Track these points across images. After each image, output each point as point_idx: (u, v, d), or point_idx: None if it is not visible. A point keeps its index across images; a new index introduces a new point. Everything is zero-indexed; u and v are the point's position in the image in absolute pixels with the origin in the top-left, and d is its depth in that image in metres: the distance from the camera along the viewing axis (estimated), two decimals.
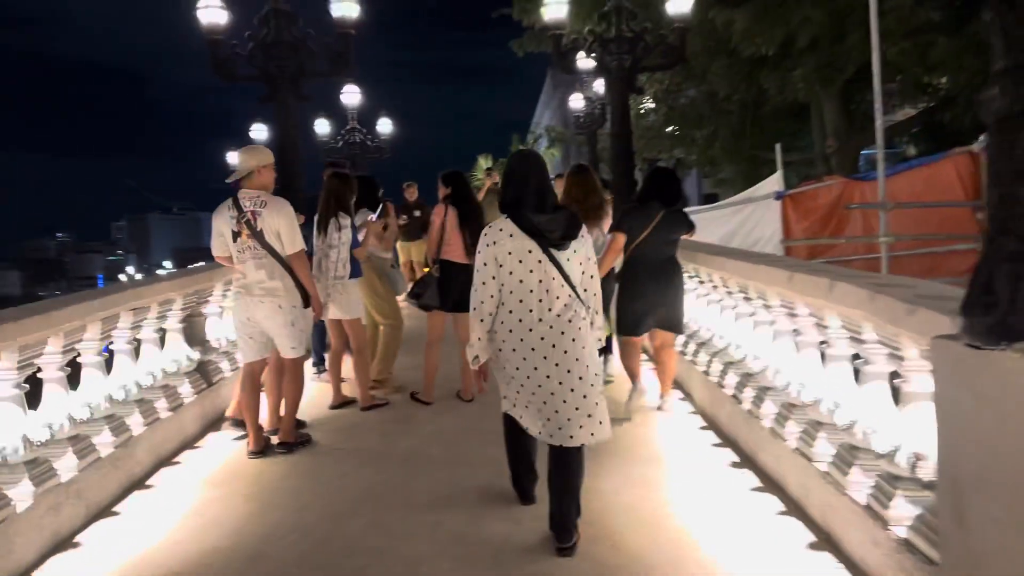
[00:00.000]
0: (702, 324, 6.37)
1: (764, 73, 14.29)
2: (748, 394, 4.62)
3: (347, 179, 5.71)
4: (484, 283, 3.25)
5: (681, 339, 6.13)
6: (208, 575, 3.27)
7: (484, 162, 25.89)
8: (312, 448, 4.89)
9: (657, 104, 18.84)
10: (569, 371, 3.20)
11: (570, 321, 3.22)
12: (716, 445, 4.75)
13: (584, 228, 3.33)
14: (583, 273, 3.31)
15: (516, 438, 3.61)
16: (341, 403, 5.81)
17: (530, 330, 3.22)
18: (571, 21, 10.08)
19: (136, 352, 5.10)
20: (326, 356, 6.32)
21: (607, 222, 5.99)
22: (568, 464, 3.28)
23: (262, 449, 4.71)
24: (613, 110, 9.64)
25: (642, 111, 18.93)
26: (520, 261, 3.20)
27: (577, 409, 3.21)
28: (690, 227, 5.38)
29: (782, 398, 4.25)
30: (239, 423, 5.05)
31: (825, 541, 3.32)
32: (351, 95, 17.03)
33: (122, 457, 4.21)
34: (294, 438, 4.85)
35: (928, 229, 8.92)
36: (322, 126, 18.02)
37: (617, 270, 5.49)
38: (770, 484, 4.01)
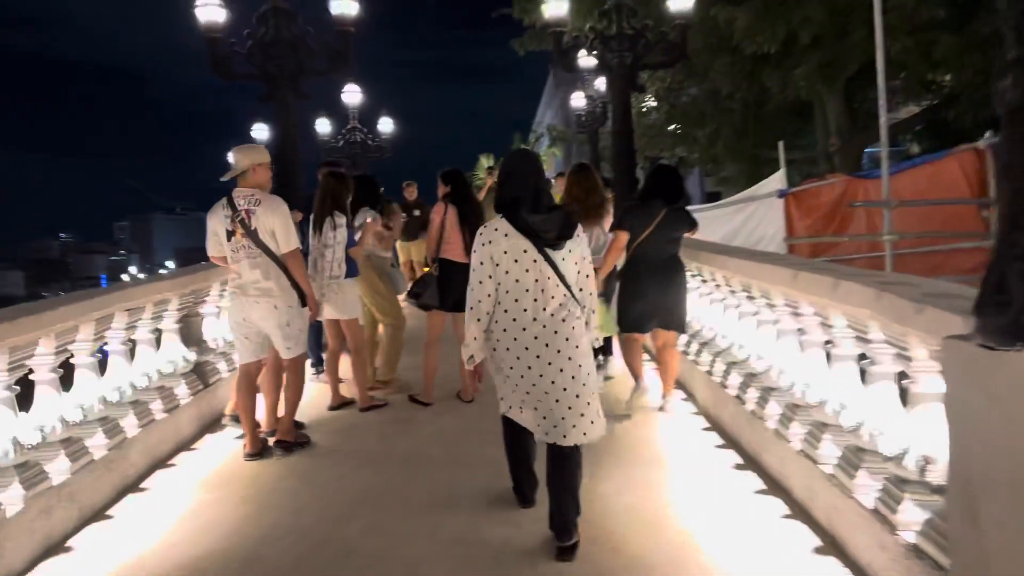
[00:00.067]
0: (705, 323, 6.31)
1: (766, 71, 14.24)
2: (752, 395, 4.56)
3: (343, 178, 5.66)
4: (480, 282, 3.25)
5: (683, 339, 6.07)
6: None
7: (486, 161, 25.82)
8: (310, 449, 4.84)
9: (659, 102, 18.80)
10: (562, 370, 3.20)
11: (564, 320, 3.22)
12: (719, 446, 4.69)
13: (580, 228, 3.33)
14: (578, 273, 3.32)
15: (515, 441, 3.59)
16: (339, 404, 5.76)
17: (524, 329, 3.22)
18: (572, 19, 10.03)
19: (132, 353, 5.04)
20: (324, 356, 6.27)
21: (608, 221, 5.95)
22: (565, 463, 3.27)
23: (259, 451, 4.66)
24: (614, 108, 9.58)
25: (644, 109, 18.88)
26: (515, 261, 3.20)
27: (570, 408, 3.21)
28: (692, 225, 5.32)
29: (786, 399, 4.18)
30: (239, 419, 5.00)
31: (831, 545, 3.26)
32: (352, 94, 17.00)
33: (116, 459, 4.16)
34: (293, 437, 4.81)
35: (933, 227, 8.84)
36: (323, 125, 18.01)
37: (619, 268, 5.44)
38: (774, 486, 3.95)
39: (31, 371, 3.87)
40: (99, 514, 3.88)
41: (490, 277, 3.23)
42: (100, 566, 3.34)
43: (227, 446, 4.98)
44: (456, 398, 5.83)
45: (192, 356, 5.65)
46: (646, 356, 6.00)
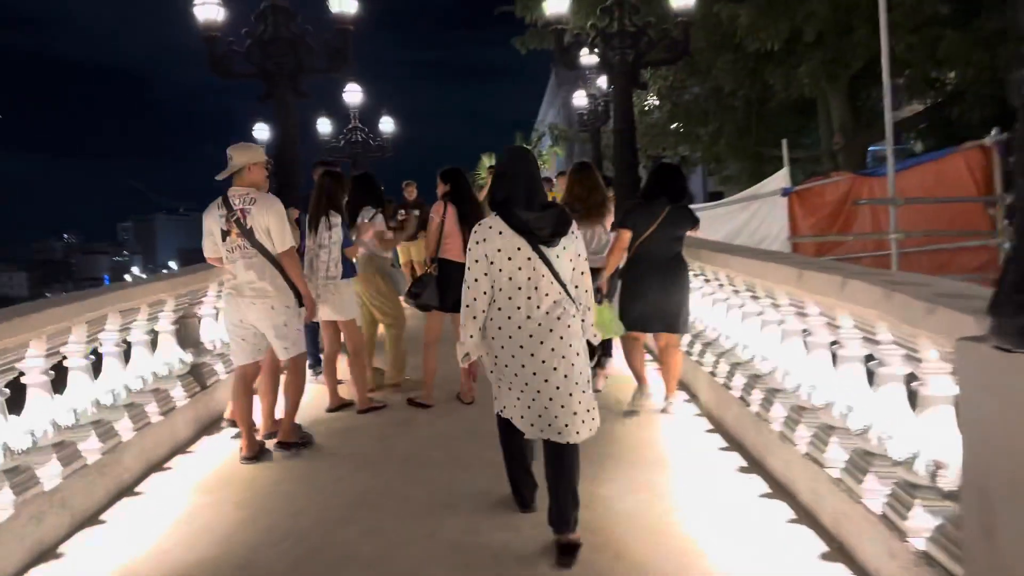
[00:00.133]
0: (708, 323, 6.23)
1: (769, 68, 14.15)
2: (756, 396, 4.49)
3: (339, 177, 5.60)
4: (476, 280, 3.24)
5: (687, 339, 6.01)
6: None
7: (488, 160, 25.76)
8: (308, 452, 4.77)
9: (661, 101, 18.71)
10: (555, 369, 3.19)
11: (559, 319, 3.21)
12: (723, 449, 4.62)
13: (575, 224, 3.32)
14: (573, 270, 3.31)
15: (511, 442, 3.55)
16: (338, 406, 5.70)
17: (519, 328, 3.21)
18: (573, 16, 9.95)
19: (127, 355, 4.98)
20: (321, 357, 6.20)
21: (609, 220, 5.89)
22: (562, 459, 3.26)
23: (255, 454, 4.59)
24: (616, 106, 9.51)
25: (646, 108, 18.78)
26: (509, 259, 3.19)
27: (563, 407, 3.20)
28: (695, 222, 5.26)
29: (792, 400, 4.11)
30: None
31: (838, 551, 3.19)
32: (353, 94, 16.95)
33: (109, 464, 4.09)
34: (294, 438, 4.75)
35: (939, 225, 8.76)
36: (324, 125, 17.98)
37: (620, 267, 5.36)
38: (779, 490, 3.87)
39: (22, 374, 3.80)
40: (92, 519, 3.81)
41: (485, 275, 3.22)
42: (91, 573, 3.28)
43: (224, 449, 4.92)
44: (456, 400, 5.75)
45: (189, 358, 5.58)
46: (648, 356, 5.92)
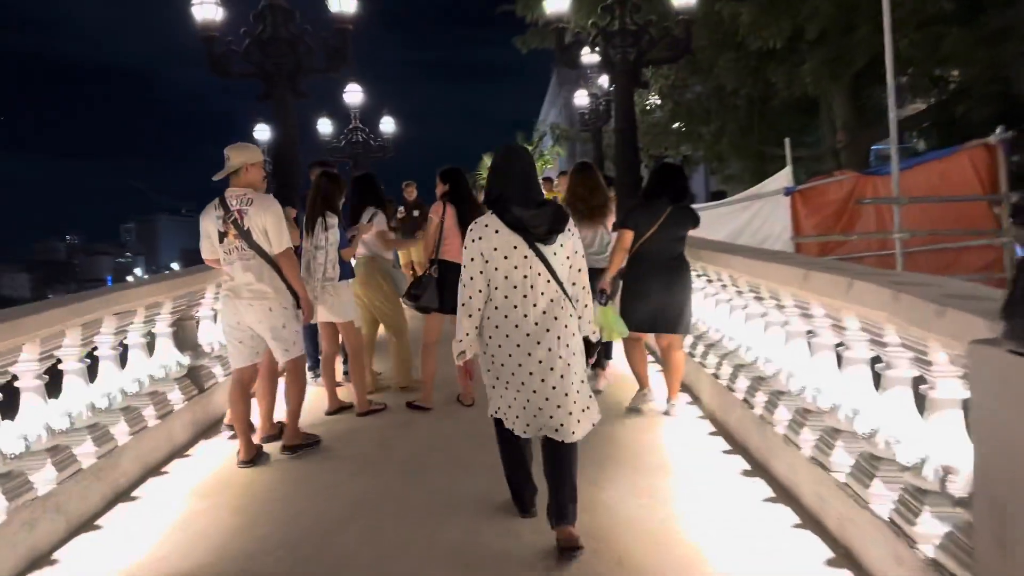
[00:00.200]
0: (711, 325, 6.16)
1: (772, 67, 14.08)
2: (760, 398, 4.43)
3: (336, 178, 5.55)
4: (472, 278, 3.22)
5: (689, 340, 5.95)
6: None
7: (489, 160, 25.75)
8: (306, 455, 4.72)
9: (663, 100, 18.64)
10: (552, 368, 3.17)
11: (556, 318, 3.19)
12: (726, 452, 4.56)
13: (571, 222, 3.29)
14: (570, 268, 3.28)
15: (509, 443, 3.50)
16: (337, 408, 5.64)
17: (516, 326, 3.19)
18: (574, 15, 9.88)
19: (123, 358, 4.93)
20: (320, 359, 6.15)
21: (611, 220, 5.84)
22: (560, 455, 3.26)
23: (253, 458, 4.54)
24: (618, 105, 9.44)
25: (648, 107, 18.72)
26: (505, 257, 3.17)
27: (559, 407, 3.19)
28: (696, 222, 5.20)
29: (796, 403, 4.05)
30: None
31: (844, 557, 3.13)
32: (353, 94, 16.92)
33: (105, 468, 4.04)
34: (299, 440, 4.72)
35: (944, 224, 8.69)
36: (325, 126, 17.95)
37: (622, 267, 5.31)
38: (783, 494, 3.82)
39: (15, 378, 3.75)
40: (88, 525, 3.77)
41: (481, 273, 3.20)
42: None
43: (222, 452, 4.87)
44: (456, 402, 5.70)
45: (186, 360, 5.53)
46: (650, 357, 5.86)
